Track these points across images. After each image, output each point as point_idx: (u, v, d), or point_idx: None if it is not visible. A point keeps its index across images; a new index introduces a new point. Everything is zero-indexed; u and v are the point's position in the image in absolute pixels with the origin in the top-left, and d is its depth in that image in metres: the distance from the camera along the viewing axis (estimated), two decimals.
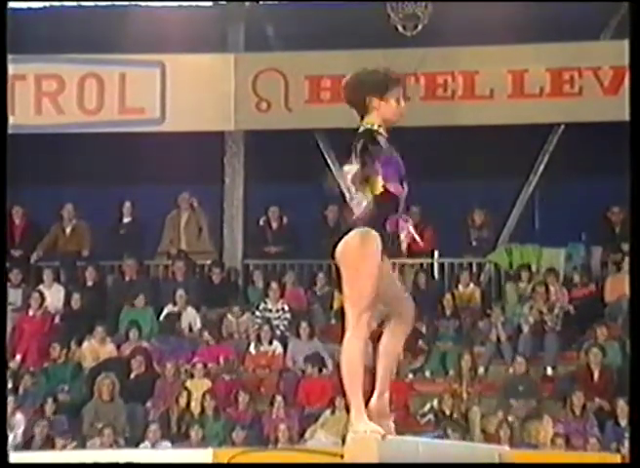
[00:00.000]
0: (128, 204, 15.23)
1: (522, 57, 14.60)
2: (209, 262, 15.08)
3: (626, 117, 15.35)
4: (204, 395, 12.89)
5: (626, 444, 11.58)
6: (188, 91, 14.91)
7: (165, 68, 15.06)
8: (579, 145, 14.43)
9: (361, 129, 5.14)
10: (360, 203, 5.09)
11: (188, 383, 13.19)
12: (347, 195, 5.15)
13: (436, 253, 14.89)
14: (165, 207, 15.43)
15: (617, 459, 10.87)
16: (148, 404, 13.14)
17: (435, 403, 12.58)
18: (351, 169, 5.09)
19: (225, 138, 15.42)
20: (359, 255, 5.10)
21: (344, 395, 5.08)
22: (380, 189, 5.11)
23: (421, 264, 14.68)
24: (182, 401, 12.84)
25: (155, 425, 12.51)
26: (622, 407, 12.12)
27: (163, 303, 14.47)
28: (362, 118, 5.18)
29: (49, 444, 12.45)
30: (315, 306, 14.48)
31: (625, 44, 14.46)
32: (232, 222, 15.37)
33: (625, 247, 14.54)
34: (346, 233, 5.10)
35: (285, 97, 14.91)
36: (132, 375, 13.39)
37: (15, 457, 9.72)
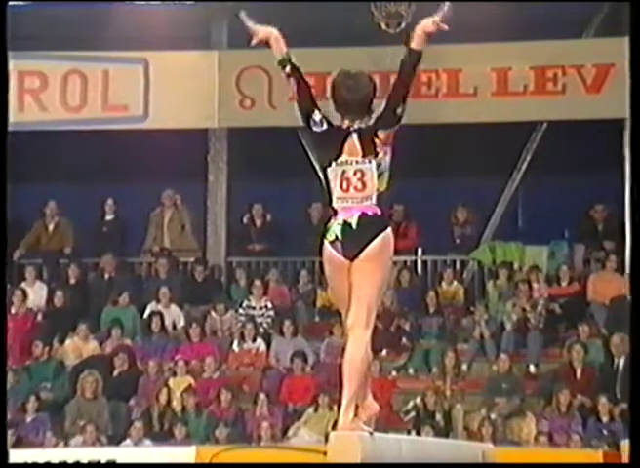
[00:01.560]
0: (110, 201, 15.18)
1: (506, 55, 14.62)
2: (192, 260, 15.05)
3: (609, 115, 15.42)
4: (186, 392, 12.87)
5: (607, 440, 11.64)
6: (172, 88, 14.87)
7: (148, 65, 15.02)
8: (562, 143, 14.46)
9: (357, 127, 5.13)
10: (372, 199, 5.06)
11: (171, 381, 13.17)
12: (374, 185, 5.05)
13: (419, 251, 14.90)
14: (148, 204, 15.38)
15: (599, 456, 10.91)
16: (131, 401, 13.12)
17: (418, 400, 12.59)
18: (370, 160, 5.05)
19: (209, 136, 15.39)
20: (391, 255, 5.07)
21: (342, 389, 5.00)
22: (385, 185, 5.12)
23: (405, 262, 14.69)
24: (163, 398, 12.82)
25: (138, 423, 12.49)
26: (604, 404, 12.17)
27: (146, 301, 14.44)
28: (352, 120, 5.17)
29: (31, 442, 12.41)
30: (299, 304, 14.47)
31: (608, 42, 14.59)
32: (216, 220, 15.35)
33: (608, 244, 14.60)
34: (371, 231, 4.98)
35: (269, 95, 14.89)
36: (115, 373, 13.36)
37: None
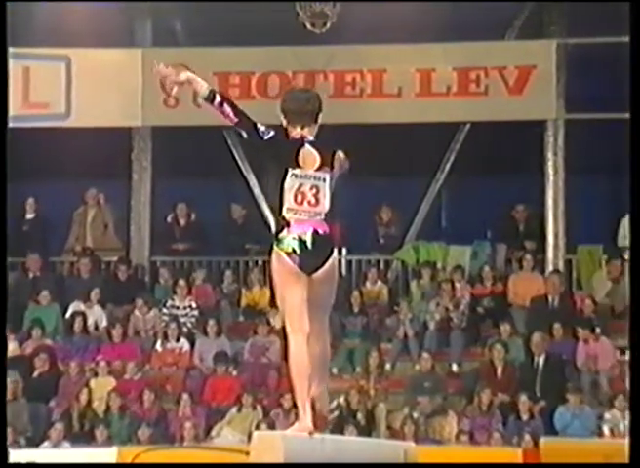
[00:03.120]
0: (31, 200, 15.00)
1: (429, 56, 14.74)
2: (115, 259, 14.92)
3: (531, 116, 15.57)
4: (109, 393, 12.75)
5: (527, 437, 11.80)
6: (95, 86, 14.72)
7: (71, 63, 14.84)
8: (484, 144, 14.62)
9: (312, 139, 5.45)
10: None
11: (92, 382, 13.04)
12: (327, 202, 5.47)
13: (344, 251, 14.94)
14: (71, 203, 15.22)
15: (518, 453, 11.05)
16: (52, 403, 12.96)
17: (342, 399, 12.63)
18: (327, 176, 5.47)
19: (133, 134, 15.26)
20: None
21: (310, 384, 5.30)
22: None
23: None
24: (83, 398, 12.69)
25: (59, 424, 12.34)
26: (524, 402, 12.33)
27: (68, 301, 14.27)
28: (302, 127, 5.45)
29: None
30: (223, 303, 14.43)
31: (530, 44, 14.78)
32: (139, 219, 15.23)
33: (529, 244, 14.80)
34: (325, 250, 5.44)
35: (193, 94, 14.75)
36: (35, 374, 13.19)
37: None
